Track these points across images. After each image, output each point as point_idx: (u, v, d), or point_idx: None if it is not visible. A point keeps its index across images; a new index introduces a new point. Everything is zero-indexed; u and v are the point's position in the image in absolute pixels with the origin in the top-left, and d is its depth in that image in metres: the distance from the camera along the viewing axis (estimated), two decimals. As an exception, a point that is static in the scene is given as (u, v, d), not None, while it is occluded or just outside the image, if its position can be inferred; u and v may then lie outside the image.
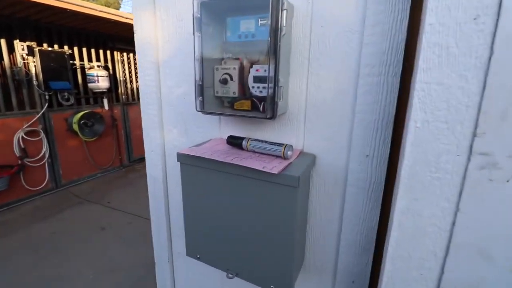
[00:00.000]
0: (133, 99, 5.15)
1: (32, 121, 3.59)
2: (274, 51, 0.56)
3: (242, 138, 0.66)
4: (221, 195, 0.64)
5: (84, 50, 4.27)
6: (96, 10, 3.38)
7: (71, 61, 4.06)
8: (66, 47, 4.00)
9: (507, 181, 0.41)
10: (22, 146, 3.50)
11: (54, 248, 2.63)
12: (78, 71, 4.23)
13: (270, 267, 0.62)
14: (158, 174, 0.91)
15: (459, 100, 0.42)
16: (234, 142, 0.67)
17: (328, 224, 0.67)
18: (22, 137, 3.49)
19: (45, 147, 3.76)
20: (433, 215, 0.45)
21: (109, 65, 4.67)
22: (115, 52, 4.78)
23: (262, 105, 0.61)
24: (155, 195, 0.95)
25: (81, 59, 4.26)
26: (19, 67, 3.46)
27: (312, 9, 0.58)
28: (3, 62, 3.34)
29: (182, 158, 0.66)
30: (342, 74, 0.58)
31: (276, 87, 0.57)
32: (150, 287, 2.10)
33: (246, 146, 0.65)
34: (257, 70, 0.61)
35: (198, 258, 0.72)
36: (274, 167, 0.55)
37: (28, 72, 3.56)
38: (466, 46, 0.40)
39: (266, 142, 0.64)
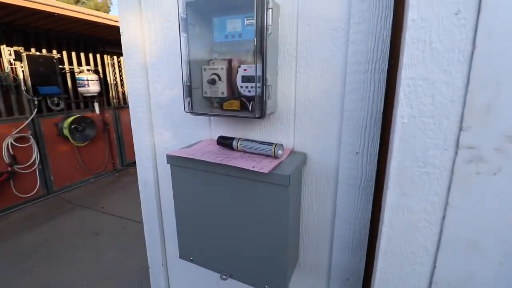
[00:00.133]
0: (125, 102, 5.10)
1: (21, 127, 3.51)
2: (260, 51, 0.55)
3: (232, 138, 0.66)
4: (212, 196, 0.63)
5: (74, 54, 4.21)
6: (84, 13, 3.33)
7: (60, 66, 3.99)
8: (54, 52, 3.93)
9: (494, 174, 0.42)
10: (12, 152, 3.42)
11: (46, 256, 2.58)
12: (68, 75, 4.17)
13: (264, 267, 0.61)
14: (149, 177, 0.90)
15: (444, 95, 0.42)
16: (225, 142, 0.67)
17: (321, 222, 0.67)
18: (12, 143, 3.42)
19: (35, 153, 3.68)
20: (423, 210, 0.46)
21: (99, 69, 4.61)
22: (105, 56, 4.73)
23: (251, 105, 0.60)
24: (147, 198, 0.93)
25: (71, 63, 4.20)
26: (7, 72, 3.39)
27: (298, 8, 0.58)
28: (-11, 67, 3.26)
29: (172, 160, 0.65)
30: (330, 72, 0.58)
31: (264, 87, 0.57)
32: (146, 292, 2.07)
33: (237, 146, 0.65)
34: (245, 70, 0.60)
35: (191, 261, 0.71)
36: (264, 166, 0.55)
37: (16, 78, 3.49)
38: (449, 41, 0.40)
39: (256, 141, 0.63)
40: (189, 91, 0.65)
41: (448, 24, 0.40)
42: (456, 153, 0.43)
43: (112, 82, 4.86)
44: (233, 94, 0.63)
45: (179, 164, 0.65)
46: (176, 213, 0.70)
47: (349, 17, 0.54)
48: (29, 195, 3.66)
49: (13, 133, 3.43)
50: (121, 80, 5.01)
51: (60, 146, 4.05)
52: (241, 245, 0.63)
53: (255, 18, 0.53)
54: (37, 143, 3.72)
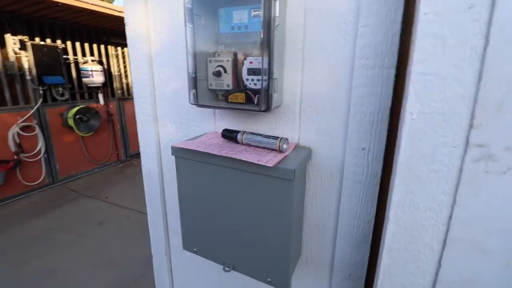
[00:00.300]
0: (129, 94, 5.11)
1: (27, 116, 3.55)
2: (267, 43, 0.54)
3: (237, 132, 0.66)
4: (216, 189, 0.63)
5: (78, 44, 4.20)
6: (89, 3, 3.31)
7: (64, 56, 3.99)
8: (59, 41, 3.92)
9: (504, 173, 0.41)
10: (18, 141, 3.46)
11: (51, 243, 2.63)
12: (72, 65, 4.17)
13: (267, 261, 0.62)
14: (153, 169, 0.90)
15: (455, 91, 0.41)
16: (229, 135, 0.66)
17: (325, 218, 0.67)
18: (17, 132, 3.46)
19: (41, 142, 3.72)
20: (430, 208, 0.45)
21: (104, 59, 4.61)
22: (109, 47, 4.72)
23: (257, 98, 0.60)
24: (151, 189, 0.94)
25: (75, 53, 4.19)
26: (12, 61, 3.40)
27: (306, 0, 0.57)
28: (-6, 56, 3.27)
29: (177, 151, 0.65)
30: (337, 66, 0.57)
31: (270, 80, 0.56)
32: (148, 280, 2.11)
33: (241, 139, 0.64)
34: (250, 63, 0.59)
35: (194, 252, 0.72)
36: (269, 160, 0.54)
37: (21, 67, 3.50)
38: (461, 36, 0.39)
39: (261, 135, 0.63)
40: (194, 82, 0.64)
41: (461, 18, 0.38)
42: (465, 151, 0.42)
43: (116, 73, 4.86)
44: (239, 87, 0.63)
45: (184, 156, 0.65)
46: (180, 205, 0.71)
47: (358, 10, 0.52)
48: (35, 183, 3.73)
49: (19, 122, 3.46)
50: (125, 71, 5.01)
51: (65, 136, 4.09)
52: (244, 238, 0.63)
53: (262, 10, 0.52)
54: (43, 133, 3.76)
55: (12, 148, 3.40)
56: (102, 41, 4.55)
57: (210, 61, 0.64)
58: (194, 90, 0.65)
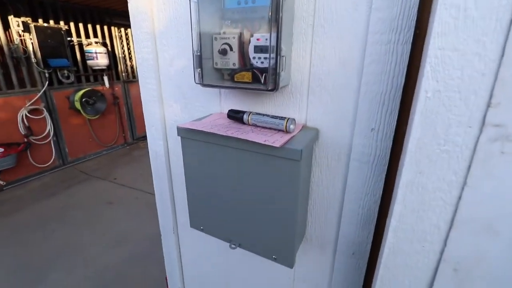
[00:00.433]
0: (133, 76, 5.08)
1: (34, 99, 3.58)
2: (275, 18, 0.52)
3: (243, 112, 0.65)
4: (222, 169, 0.64)
5: (81, 25, 4.13)
6: (90, -20, 3.21)
7: (68, 38, 3.94)
8: (62, 23, 3.87)
9: (520, 153, 0.39)
10: (27, 124, 3.52)
11: (64, 222, 2.74)
12: (76, 48, 4.13)
13: (272, 239, 0.63)
14: (159, 149, 0.91)
15: (474, 68, 0.39)
16: (235, 116, 0.65)
17: (330, 198, 0.67)
18: (26, 115, 3.51)
19: (49, 125, 3.78)
20: (439, 189, 0.44)
21: (107, 41, 4.54)
22: (112, 28, 4.64)
23: (264, 77, 0.58)
24: (158, 170, 0.95)
25: (78, 35, 4.14)
26: (16, 44, 3.38)
27: (318, -31, 0.53)
28: (-1, 38, 3.25)
29: (183, 132, 0.65)
30: (349, 42, 0.55)
31: (278, 57, 0.54)
32: (157, 256, 2.20)
33: (248, 120, 0.63)
34: (258, 40, 0.57)
35: (201, 230, 0.74)
36: (276, 140, 0.54)
37: (25, 49, 3.49)
38: (486, 8, 0.36)
39: (267, 115, 0.62)
40: (199, 61, 0.63)
41: (487, -14, 0.36)
42: (481, 130, 0.40)
43: (120, 55, 4.81)
44: (245, 66, 0.61)
45: (190, 137, 0.65)
46: (187, 185, 0.72)
47: (374, -20, 0.49)
48: (45, 165, 3.83)
49: (27, 105, 3.50)
50: (130, 53, 4.95)
51: (72, 119, 4.14)
52: (250, 217, 0.64)
53: (270, -19, 0.49)
54: (50, 116, 3.81)
55: (22, 130, 3.46)
56: (105, 22, 4.47)
57: (216, 38, 0.62)
58: (199, 69, 0.64)
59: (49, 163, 3.88)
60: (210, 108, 0.77)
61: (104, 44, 4.37)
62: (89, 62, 4.15)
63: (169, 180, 0.95)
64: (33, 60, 3.53)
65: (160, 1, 0.74)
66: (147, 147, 0.96)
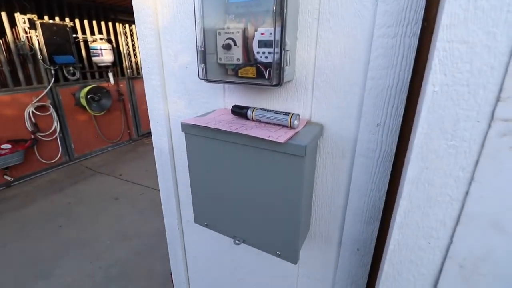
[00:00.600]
0: (138, 73, 5.09)
1: (41, 96, 3.62)
2: (280, 12, 0.51)
3: (247, 108, 0.64)
4: (227, 165, 0.64)
5: (86, 22, 4.15)
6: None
7: (73, 35, 3.97)
8: (67, 20, 3.89)
9: (529, 149, 0.38)
10: (33, 121, 3.57)
11: (71, 217, 2.79)
12: (82, 44, 4.16)
13: (277, 234, 0.63)
14: (164, 145, 0.91)
15: (484, 61, 0.38)
16: (239, 111, 0.65)
17: (335, 194, 0.67)
18: (33, 112, 3.55)
19: (56, 121, 3.83)
20: (445, 185, 0.44)
21: (112, 37, 4.56)
22: (117, 24, 4.64)
23: (268, 72, 0.57)
24: (162, 166, 0.96)
25: (83, 32, 4.16)
26: (23, 41, 3.41)
27: (323, -39, 0.52)
28: (6, 36, 3.29)
29: (187, 128, 0.65)
30: (355, 36, 0.54)
31: (283, 52, 0.53)
32: (162, 252, 2.23)
33: (252, 115, 0.63)
34: (262, 34, 0.56)
35: (206, 226, 0.74)
36: (280, 136, 0.53)
37: (32, 47, 3.52)
38: (498, -2, 0.35)
39: (272, 111, 0.61)
40: (203, 56, 0.62)
41: (499, -24, 0.34)
42: (489, 125, 0.39)
43: (125, 52, 4.82)
44: (249, 61, 0.60)
45: (194, 133, 0.65)
46: (191, 180, 0.72)
47: (381, -28, 0.48)
48: (52, 161, 3.88)
49: (33, 102, 3.54)
50: (134, 50, 4.96)
51: (78, 115, 4.18)
52: (255, 213, 0.64)
53: (275, -26, 0.49)
54: (57, 112, 3.85)
55: (29, 127, 3.51)
56: (110, 19, 4.48)
57: (219, 33, 0.61)
58: (203, 64, 0.63)
59: (56, 159, 3.94)
60: (214, 103, 0.77)
61: (109, 41, 4.39)
62: (94, 58, 4.18)
63: (174, 176, 0.95)
64: (39, 57, 3.57)
65: (164, -4, 0.74)
66: (152, 143, 0.96)
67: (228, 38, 0.60)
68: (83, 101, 4.00)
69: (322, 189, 0.68)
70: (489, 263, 0.45)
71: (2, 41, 3.46)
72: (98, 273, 2.10)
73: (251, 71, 0.60)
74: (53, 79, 3.73)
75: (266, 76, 0.58)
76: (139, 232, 2.55)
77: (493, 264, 0.45)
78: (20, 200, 3.13)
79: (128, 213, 2.86)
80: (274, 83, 0.56)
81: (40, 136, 3.68)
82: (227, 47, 0.61)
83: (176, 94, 0.84)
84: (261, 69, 0.59)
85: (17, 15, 3.34)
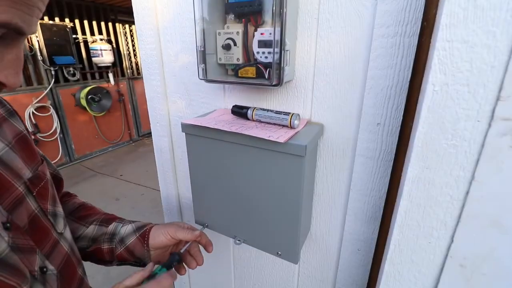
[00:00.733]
0: (138, 73, 5.10)
1: (41, 96, 3.62)
2: (280, 12, 0.51)
3: (247, 108, 0.64)
4: (227, 165, 0.64)
5: (86, 23, 4.15)
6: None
7: (73, 35, 3.97)
8: (67, 20, 3.89)
9: (529, 148, 0.38)
10: (34, 121, 3.57)
11: (73, 218, 2.78)
12: (82, 45, 4.16)
13: (277, 234, 0.63)
14: (164, 145, 0.91)
15: (484, 60, 0.38)
16: (239, 111, 0.65)
17: (335, 194, 0.67)
18: (33, 112, 3.56)
19: (56, 122, 3.83)
20: (446, 184, 0.44)
21: (112, 38, 4.56)
22: (117, 25, 4.65)
23: (268, 72, 0.57)
24: (163, 166, 0.96)
25: (83, 32, 4.16)
26: (23, 41, 3.41)
27: (323, -39, 0.52)
28: (6, 36, 3.29)
29: (187, 128, 0.65)
30: (354, 36, 0.54)
31: (283, 52, 0.53)
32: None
33: (252, 115, 0.63)
34: (261, 34, 0.57)
35: (206, 226, 0.74)
36: (280, 136, 0.53)
37: (31, 47, 3.52)
38: (498, -4, 0.35)
39: (272, 111, 0.61)
40: (203, 57, 0.62)
41: (498, -25, 0.34)
42: (489, 125, 0.39)
43: (125, 52, 4.82)
44: (249, 61, 0.61)
45: (194, 133, 0.65)
46: (191, 181, 0.72)
47: (380, -29, 0.48)
48: (53, 162, 3.87)
49: (33, 103, 3.55)
50: (134, 50, 4.96)
51: (78, 116, 4.18)
52: (255, 213, 0.64)
53: (274, -26, 0.49)
54: (57, 113, 3.86)
55: (29, 128, 3.51)
56: (110, 19, 4.49)
57: (219, 33, 0.61)
58: (203, 64, 0.63)
59: (56, 160, 3.94)
60: (214, 104, 0.77)
61: (109, 41, 4.39)
62: (94, 59, 4.18)
63: (174, 176, 0.95)
64: (39, 57, 3.57)
65: (164, -4, 0.74)
66: (152, 144, 0.97)
67: (228, 38, 0.60)
68: (83, 102, 4.01)
69: (323, 189, 0.68)
70: (490, 262, 0.45)
71: (2, 42, 3.46)
72: (99, 273, 2.10)
73: (251, 71, 0.60)
74: (53, 79, 3.73)
75: (266, 76, 0.58)
76: (140, 232, 2.55)
77: (494, 263, 0.45)
78: (21, 200, 3.13)
79: (129, 214, 2.86)
80: (274, 83, 0.56)
81: (41, 137, 3.68)
82: (227, 47, 0.61)
83: (176, 94, 0.84)
84: (261, 69, 0.59)
85: (17, 16, 3.34)
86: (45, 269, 0.45)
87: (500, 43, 0.37)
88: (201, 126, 0.61)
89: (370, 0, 0.50)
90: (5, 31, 0.29)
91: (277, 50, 0.54)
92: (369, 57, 0.53)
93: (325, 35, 0.56)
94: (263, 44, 0.57)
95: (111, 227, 0.66)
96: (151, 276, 0.54)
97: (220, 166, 0.65)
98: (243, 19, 0.59)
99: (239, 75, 0.62)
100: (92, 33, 4.23)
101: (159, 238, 0.63)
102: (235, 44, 0.60)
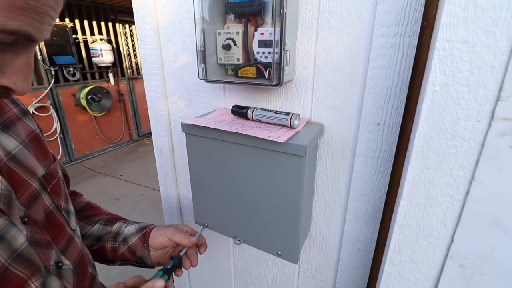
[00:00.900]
0: (138, 73, 5.10)
1: (41, 96, 3.62)
2: (280, 12, 0.51)
3: (247, 108, 0.64)
4: (227, 165, 0.64)
5: (86, 23, 4.15)
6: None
7: (73, 35, 3.97)
8: (67, 20, 3.89)
9: (529, 148, 0.38)
10: (34, 121, 3.57)
11: (73, 218, 2.78)
12: (82, 45, 4.16)
13: (277, 234, 0.63)
14: (164, 146, 0.91)
15: (484, 60, 0.38)
16: (239, 111, 0.65)
17: (335, 194, 0.67)
18: (33, 112, 3.56)
19: (56, 122, 3.83)
20: (446, 184, 0.44)
21: (112, 38, 4.56)
22: (117, 25, 4.65)
23: (268, 72, 0.57)
24: (163, 166, 0.96)
25: (83, 32, 4.16)
26: (23, 41, 3.41)
27: (323, -39, 0.52)
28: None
29: (187, 128, 0.65)
30: (354, 36, 0.54)
31: (283, 51, 0.53)
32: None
33: (252, 115, 0.63)
34: (261, 34, 0.57)
35: (206, 226, 0.74)
36: (280, 136, 0.53)
37: (31, 47, 3.51)
38: (498, -4, 0.35)
39: (272, 111, 0.61)
40: (203, 57, 0.62)
41: (498, -26, 0.34)
42: (489, 125, 0.39)
43: (125, 52, 4.82)
44: (249, 61, 0.61)
45: (194, 133, 0.65)
46: (191, 181, 0.72)
47: (380, -29, 0.48)
48: (53, 162, 3.88)
49: (33, 103, 3.55)
50: (134, 50, 4.96)
51: (78, 116, 4.18)
52: (255, 213, 0.64)
53: (274, -26, 0.49)
54: (57, 113, 3.85)
55: (30, 127, 3.51)
56: (110, 19, 4.48)
57: (219, 33, 0.61)
58: (203, 65, 0.63)
59: (57, 159, 3.93)
60: (214, 104, 0.77)
61: (109, 41, 4.39)
62: (94, 59, 4.18)
63: (174, 176, 0.95)
64: (39, 57, 3.57)
65: (164, -4, 0.74)
66: (152, 144, 0.97)
67: (228, 38, 0.60)
68: (83, 102, 4.00)
69: (323, 189, 0.68)
70: (489, 262, 0.45)
71: (3, 42, 3.46)
72: (99, 274, 2.10)
73: (251, 71, 0.60)
74: (53, 79, 3.73)
75: (266, 76, 0.58)
76: (140, 232, 2.55)
77: (493, 263, 0.45)
78: (21, 200, 3.13)
79: (129, 214, 2.86)
80: (274, 83, 0.56)
81: (41, 136, 3.68)
82: (227, 47, 0.61)
83: (176, 94, 0.84)
84: (261, 69, 0.59)
85: (17, 16, 3.34)
86: (60, 264, 0.46)
87: (500, 43, 0.37)
88: (201, 126, 0.61)
89: (370, 0, 0.50)
90: (15, 38, 0.29)
91: (277, 50, 0.54)
92: (369, 57, 0.53)
93: (325, 35, 0.56)
94: (263, 44, 0.57)
95: (115, 226, 0.68)
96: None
97: (220, 166, 0.65)
98: (243, 19, 0.59)
99: (239, 75, 0.62)
100: (92, 33, 4.23)
101: (158, 239, 0.64)
102: (235, 44, 0.60)
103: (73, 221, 0.53)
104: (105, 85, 4.40)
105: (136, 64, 4.99)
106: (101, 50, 4.11)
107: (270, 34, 0.55)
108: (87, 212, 0.70)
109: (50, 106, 3.73)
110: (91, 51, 4.13)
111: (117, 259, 0.66)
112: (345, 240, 0.69)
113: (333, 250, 0.73)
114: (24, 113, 0.51)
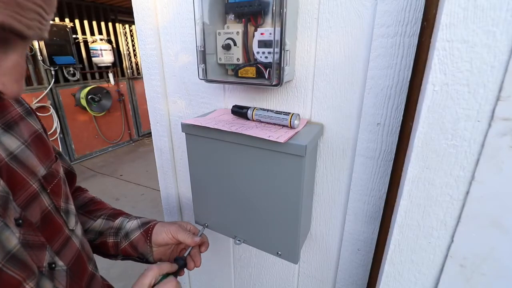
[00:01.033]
0: (138, 73, 5.09)
1: (41, 96, 3.62)
2: (280, 12, 0.51)
3: (247, 108, 0.64)
4: (227, 165, 0.64)
5: (86, 23, 4.15)
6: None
7: (73, 35, 3.97)
8: (67, 20, 3.89)
9: (529, 148, 0.38)
10: (34, 122, 3.56)
11: (73, 218, 2.78)
12: (82, 45, 4.16)
13: (277, 234, 0.63)
14: (164, 146, 0.91)
15: (484, 60, 0.38)
16: (239, 111, 0.65)
17: (335, 194, 0.67)
18: (33, 113, 3.55)
19: (56, 122, 3.83)
20: (446, 184, 0.44)
21: (112, 38, 4.56)
22: (117, 25, 4.64)
23: (268, 72, 0.57)
24: (163, 166, 0.96)
25: (83, 32, 4.16)
26: (23, 41, 3.41)
27: (323, -39, 0.52)
28: (6, 36, 3.29)
29: (187, 128, 0.65)
30: (354, 36, 0.54)
31: (283, 51, 0.53)
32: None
33: (252, 115, 0.63)
34: (261, 34, 0.57)
35: (206, 226, 0.74)
36: (280, 136, 0.53)
37: (31, 47, 3.52)
38: (498, -4, 0.35)
39: (272, 111, 0.61)
40: (203, 57, 0.62)
41: (498, -25, 0.34)
42: (489, 125, 0.39)
43: (125, 52, 4.82)
44: (249, 61, 0.61)
45: (194, 133, 0.65)
46: (191, 181, 0.72)
47: (380, -29, 0.48)
48: (53, 162, 3.88)
49: (34, 103, 3.55)
50: (134, 50, 4.96)
51: (78, 116, 4.18)
52: (255, 213, 0.64)
53: (274, -26, 0.49)
54: (57, 113, 3.85)
55: (30, 127, 3.51)
56: (110, 19, 4.48)
57: (219, 33, 0.61)
58: (203, 64, 0.63)
59: (57, 159, 3.93)
60: (214, 104, 0.77)
61: (109, 41, 4.39)
62: (94, 59, 4.18)
63: (174, 176, 0.95)
64: (39, 57, 3.57)
65: (164, -4, 0.74)
66: (152, 144, 0.97)
67: (228, 38, 0.60)
68: (83, 102, 4.00)
69: (323, 189, 0.68)
70: (489, 262, 0.45)
71: (3, 42, 3.46)
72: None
73: (251, 71, 0.60)
74: (53, 79, 3.73)
75: (266, 76, 0.58)
76: (140, 232, 2.55)
77: (493, 263, 0.45)
78: (21, 200, 3.13)
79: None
80: (274, 83, 0.56)
81: (41, 136, 3.68)
82: (227, 47, 0.61)
83: (176, 94, 0.84)
84: (261, 69, 0.59)
85: (17, 16, 3.34)
86: (53, 265, 0.46)
87: (500, 43, 0.37)
88: (201, 126, 0.61)
89: (370, 0, 0.50)
90: (0, 33, 0.27)
91: (277, 50, 0.54)
92: (369, 57, 0.53)
93: (325, 35, 0.56)
94: (263, 44, 0.57)
95: (118, 221, 0.68)
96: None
97: (220, 166, 0.65)
98: (243, 19, 0.59)
99: (239, 75, 0.62)
100: (92, 33, 4.23)
101: (161, 235, 0.64)
102: (235, 44, 0.60)
103: (72, 221, 0.53)
104: (105, 85, 4.40)
105: (136, 64, 4.99)
106: (101, 50, 4.11)
107: (270, 34, 0.55)
108: (91, 207, 0.70)
109: (50, 106, 3.73)
110: (91, 51, 4.13)
111: (119, 254, 0.66)
112: (345, 240, 0.68)
113: (333, 250, 0.73)
114: (28, 112, 0.51)
